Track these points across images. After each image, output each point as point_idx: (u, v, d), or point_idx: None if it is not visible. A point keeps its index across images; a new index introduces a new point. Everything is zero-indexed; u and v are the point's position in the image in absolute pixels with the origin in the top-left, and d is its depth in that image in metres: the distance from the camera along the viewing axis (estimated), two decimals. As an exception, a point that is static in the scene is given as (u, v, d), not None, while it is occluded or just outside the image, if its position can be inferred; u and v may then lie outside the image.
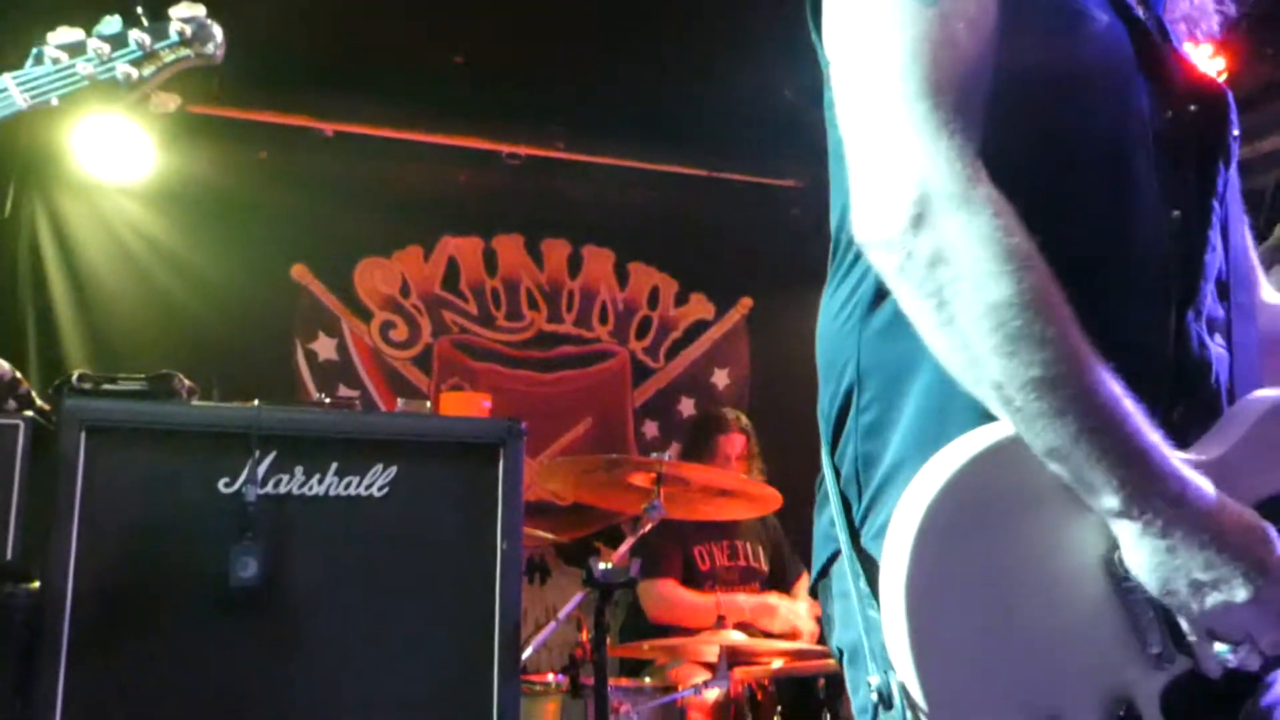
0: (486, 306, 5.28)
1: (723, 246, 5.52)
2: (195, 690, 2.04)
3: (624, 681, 3.60)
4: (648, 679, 3.67)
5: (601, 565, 2.57)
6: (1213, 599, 1.05)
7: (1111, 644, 1.12)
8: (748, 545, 4.24)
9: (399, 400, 2.41)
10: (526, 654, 3.10)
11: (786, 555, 4.37)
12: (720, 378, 5.58)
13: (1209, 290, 1.21)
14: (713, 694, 3.51)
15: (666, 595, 4.00)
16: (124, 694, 2.01)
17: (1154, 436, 1.06)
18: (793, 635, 3.98)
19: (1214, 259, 1.22)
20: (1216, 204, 1.22)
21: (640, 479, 3.24)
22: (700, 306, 5.61)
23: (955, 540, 1.11)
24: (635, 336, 5.49)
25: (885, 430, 1.20)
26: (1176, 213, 1.19)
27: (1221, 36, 1.45)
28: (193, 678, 2.04)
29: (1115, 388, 1.05)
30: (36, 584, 2.02)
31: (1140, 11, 1.25)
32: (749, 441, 4.29)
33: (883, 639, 1.14)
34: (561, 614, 3.09)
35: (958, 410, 1.14)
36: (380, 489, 2.21)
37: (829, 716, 3.38)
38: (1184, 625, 1.09)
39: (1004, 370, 1.05)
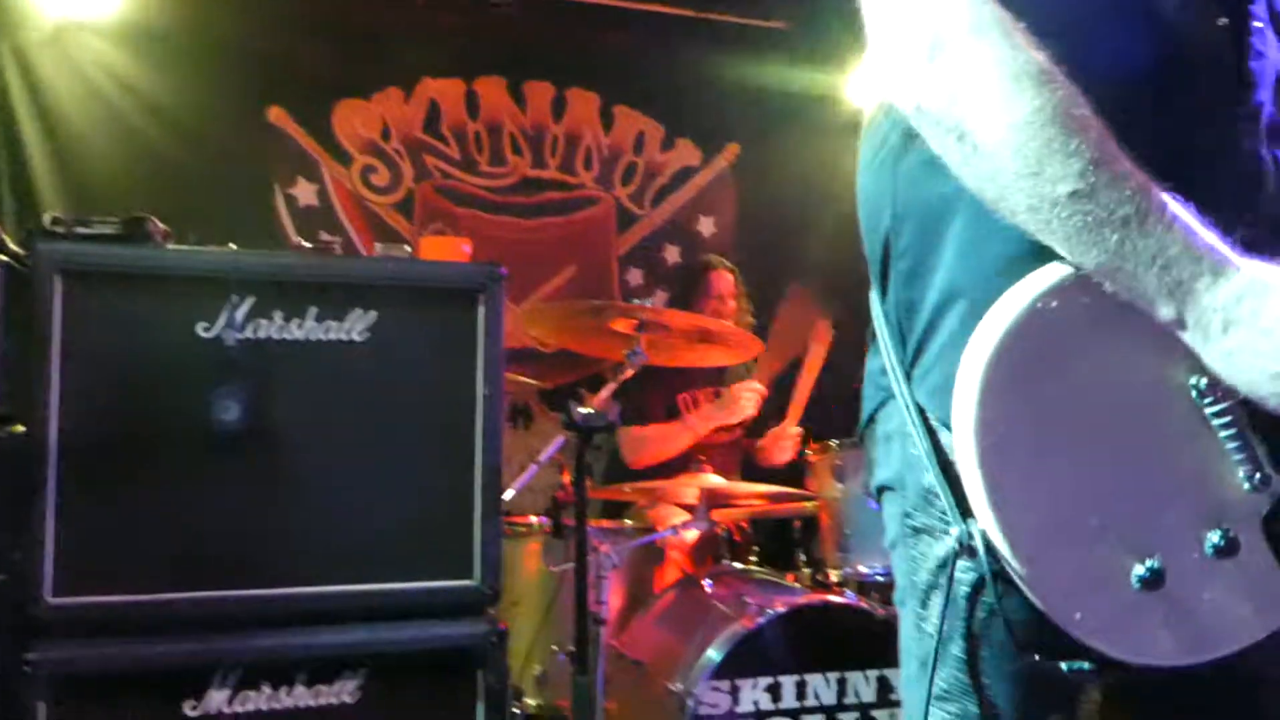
0: (469, 151, 5.20)
1: (709, 91, 5.41)
2: (185, 528, 2.08)
3: (605, 523, 3.70)
4: (628, 521, 3.77)
5: (582, 409, 2.60)
6: None
7: (1204, 474, 1.09)
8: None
9: (377, 245, 2.38)
10: (509, 496, 3.17)
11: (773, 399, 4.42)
12: (706, 225, 5.55)
13: (1264, 98, 1.17)
14: (691, 535, 3.61)
15: (639, 435, 4.04)
16: (115, 533, 2.05)
17: (1207, 236, 1.04)
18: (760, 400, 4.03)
19: (1265, 66, 1.17)
20: (1254, 7, 1.17)
21: (623, 325, 3.25)
22: (687, 152, 5.54)
23: (1025, 385, 1.10)
24: (620, 183, 5.43)
25: (925, 275, 1.19)
26: (1224, 20, 1.15)
27: None
28: (182, 517, 2.08)
29: (1157, 193, 1.03)
30: (21, 428, 2.04)
31: None
32: (737, 280, 4.32)
33: (922, 477, 1.17)
34: (543, 457, 3.15)
35: (997, 246, 1.13)
36: (360, 334, 2.20)
37: (803, 555, 3.49)
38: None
39: (1034, 191, 1.04)
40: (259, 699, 2.11)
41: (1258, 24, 1.17)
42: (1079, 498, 1.08)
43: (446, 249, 2.44)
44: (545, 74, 5.28)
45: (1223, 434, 1.08)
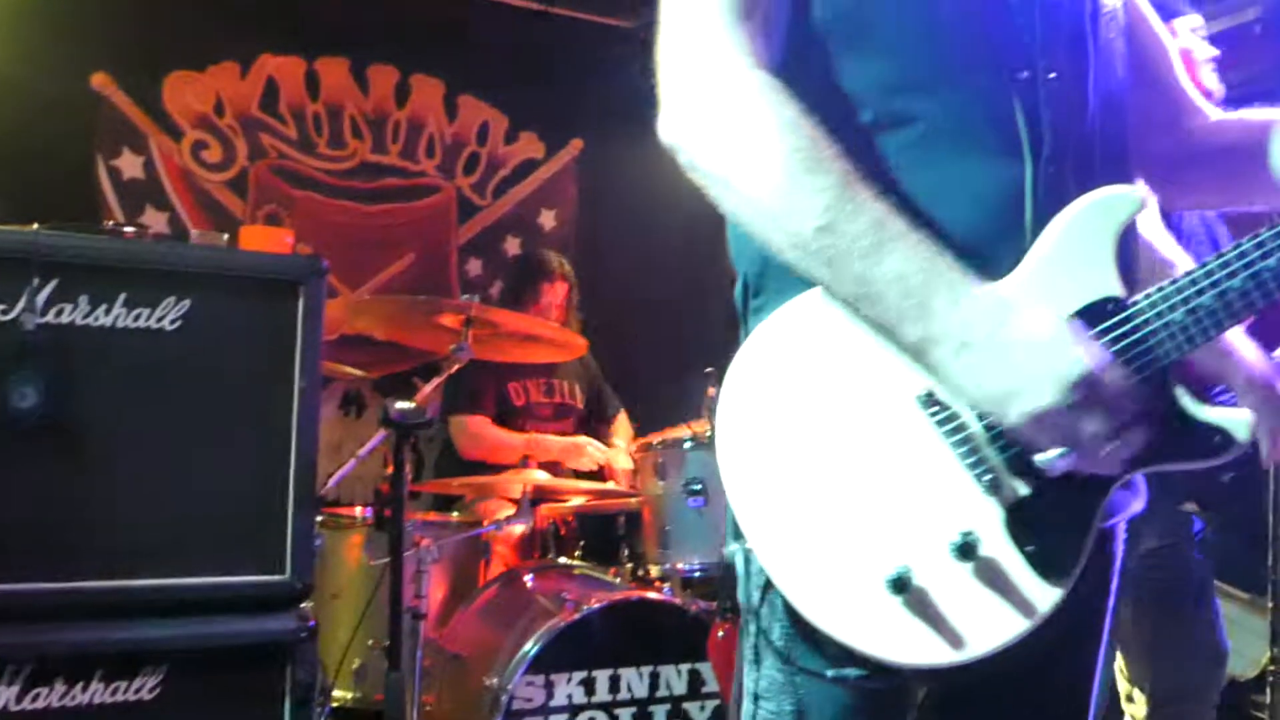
0: (307, 132, 5.08)
1: (555, 85, 5.42)
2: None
3: (431, 516, 3.70)
4: (455, 514, 3.77)
5: (399, 405, 2.60)
6: (1021, 407, 1.09)
7: (942, 480, 1.16)
8: (565, 383, 4.33)
9: (194, 232, 2.33)
10: (329, 486, 3.14)
11: (606, 393, 4.49)
12: (547, 219, 5.57)
13: (1067, 133, 1.23)
14: (518, 529, 3.64)
15: (476, 432, 4.06)
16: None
17: (943, 262, 1.12)
18: (607, 473, 4.11)
19: (1064, 106, 1.23)
20: (1049, 59, 1.24)
21: (450, 320, 3.26)
22: (530, 145, 5.54)
23: (772, 403, 1.19)
24: (463, 172, 5.40)
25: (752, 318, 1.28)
26: (1025, 73, 1.22)
27: None
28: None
29: (897, 222, 1.12)
30: None
31: None
32: (571, 291, 4.34)
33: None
34: (361, 452, 3.13)
35: (778, 283, 1.23)
36: (172, 322, 2.15)
37: (627, 551, 3.56)
38: (1018, 439, 1.12)
39: (789, 228, 1.13)
40: (51, 696, 2.04)
41: (1052, 75, 1.23)
42: (829, 509, 1.16)
43: (268, 239, 2.40)
44: (390, 58, 5.20)
45: (950, 441, 1.16)
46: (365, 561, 3.30)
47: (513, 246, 5.46)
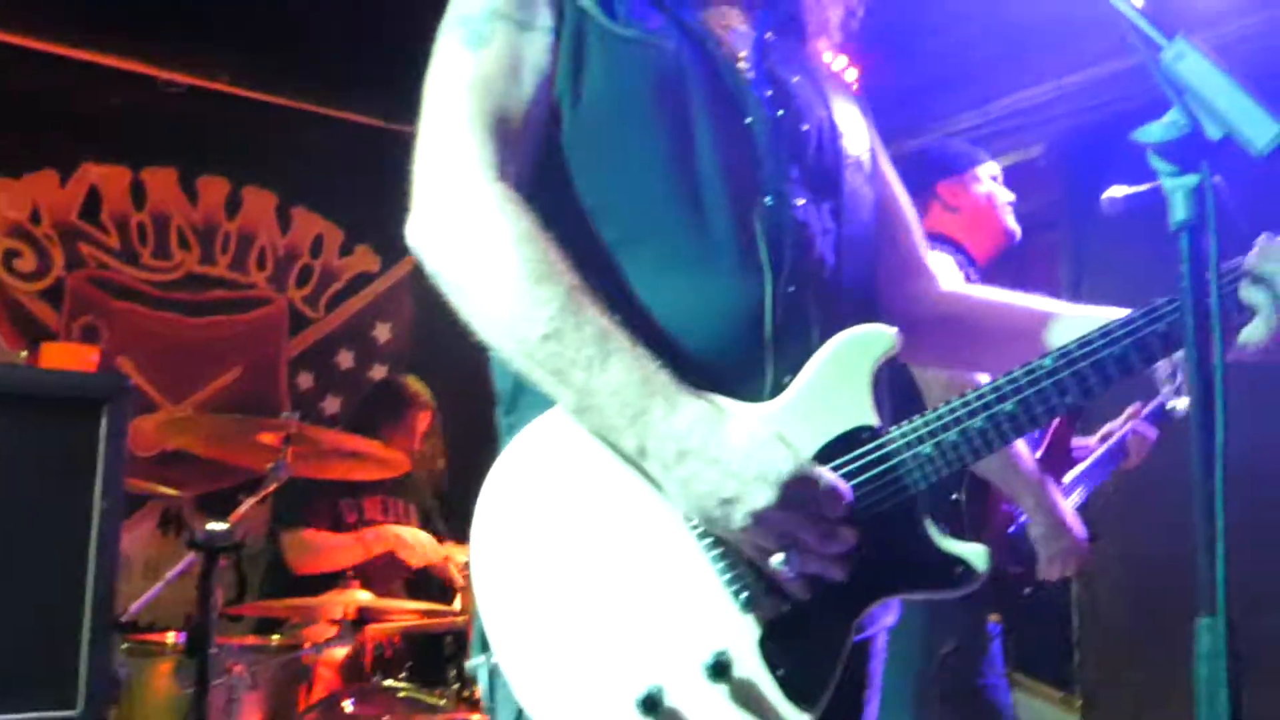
0: (131, 242, 4.96)
1: (391, 198, 5.41)
2: None
3: (249, 640, 3.55)
4: (276, 637, 3.64)
5: (209, 526, 2.52)
6: (740, 511, 1.12)
7: (698, 597, 1.17)
8: (400, 501, 4.27)
9: (-11, 349, 2.25)
10: (134, 611, 3.00)
11: (435, 512, 4.43)
12: (382, 331, 5.53)
13: (811, 263, 1.31)
14: (340, 651, 3.53)
15: (308, 540, 3.95)
16: None
17: (662, 375, 1.16)
18: (442, 569, 4.03)
19: (810, 236, 1.32)
20: (795, 188, 1.33)
21: (270, 438, 3.19)
22: (366, 258, 5.53)
23: (526, 518, 1.19)
24: (295, 285, 5.34)
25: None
26: (769, 199, 1.30)
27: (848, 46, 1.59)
28: None
29: (620, 336, 1.17)
30: None
31: (736, 39, 1.39)
32: (434, 419, 4.34)
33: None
34: (170, 575, 3.01)
35: (529, 398, 1.25)
36: (-38, 443, 2.06)
37: (455, 671, 3.48)
38: (739, 552, 1.16)
39: (517, 336, 1.17)
40: None
41: (799, 201, 1.33)
42: (583, 625, 1.16)
43: (72, 356, 2.34)
44: (220, 169, 5.15)
45: (711, 556, 1.18)
46: (175, 690, 3.14)
47: (346, 360, 5.40)
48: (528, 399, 1.26)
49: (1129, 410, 2.78)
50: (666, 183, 1.29)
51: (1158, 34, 0.94)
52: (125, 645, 3.18)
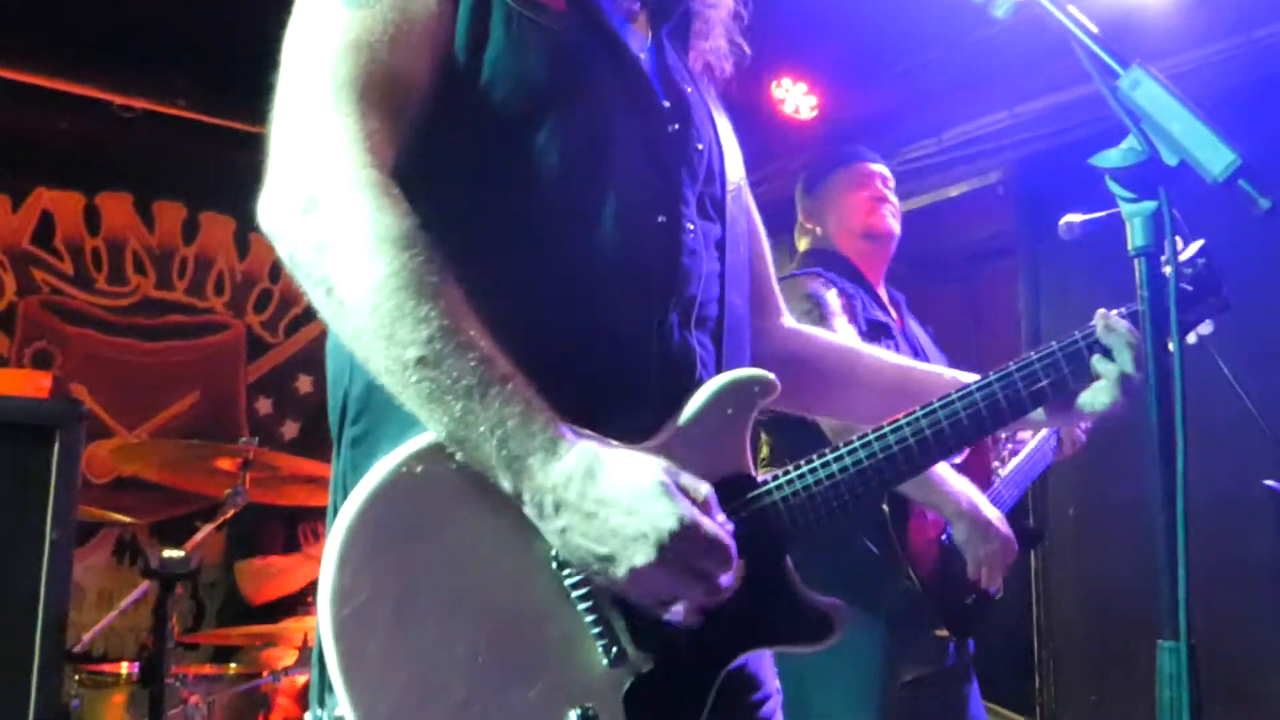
0: (85, 267, 4.90)
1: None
2: None
3: (206, 669, 3.49)
4: (233, 665, 3.58)
5: (164, 554, 2.48)
6: (618, 569, 1.04)
7: (565, 649, 1.09)
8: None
9: (-62, 375, 2.20)
10: (85, 642, 2.94)
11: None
12: (342, 356, 5.48)
13: (697, 292, 1.26)
14: (302, 679, 3.47)
15: (263, 569, 3.89)
16: None
17: (545, 415, 1.06)
18: None
19: (698, 263, 1.27)
20: (687, 210, 1.27)
21: (228, 463, 3.15)
22: (325, 283, 5.48)
23: (387, 552, 1.06)
24: (253, 309, 5.29)
25: (369, 444, 1.18)
26: (661, 218, 1.25)
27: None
28: None
29: (503, 365, 1.06)
30: None
31: (635, 41, 1.32)
32: None
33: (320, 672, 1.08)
34: (123, 604, 2.96)
35: (388, 413, 1.13)
36: (-90, 471, 2.01)
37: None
38: (608, 605, 1.09)
39: (389, 353, 1.05)
40: None
41: (690, 225, 1.27)
42: (443, 672, 1.05)
43: (22, 382, 2.29)
44: (177, 194, 5.10)
45: (580, 607, 1.11)
46: (129, 722, 3.08)
47: (305, 385, 5.35)
48: (380, 412, 1.15)
49: None
50: (559, 184, 1.19)
51: (1114, 62, 0.96)
52: (77, 676, 3.11)
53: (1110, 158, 0.94)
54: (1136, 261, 0.93)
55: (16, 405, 2.20)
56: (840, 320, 2.46)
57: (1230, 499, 3.14)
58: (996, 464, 2.64)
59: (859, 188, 2.72)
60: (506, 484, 1.06)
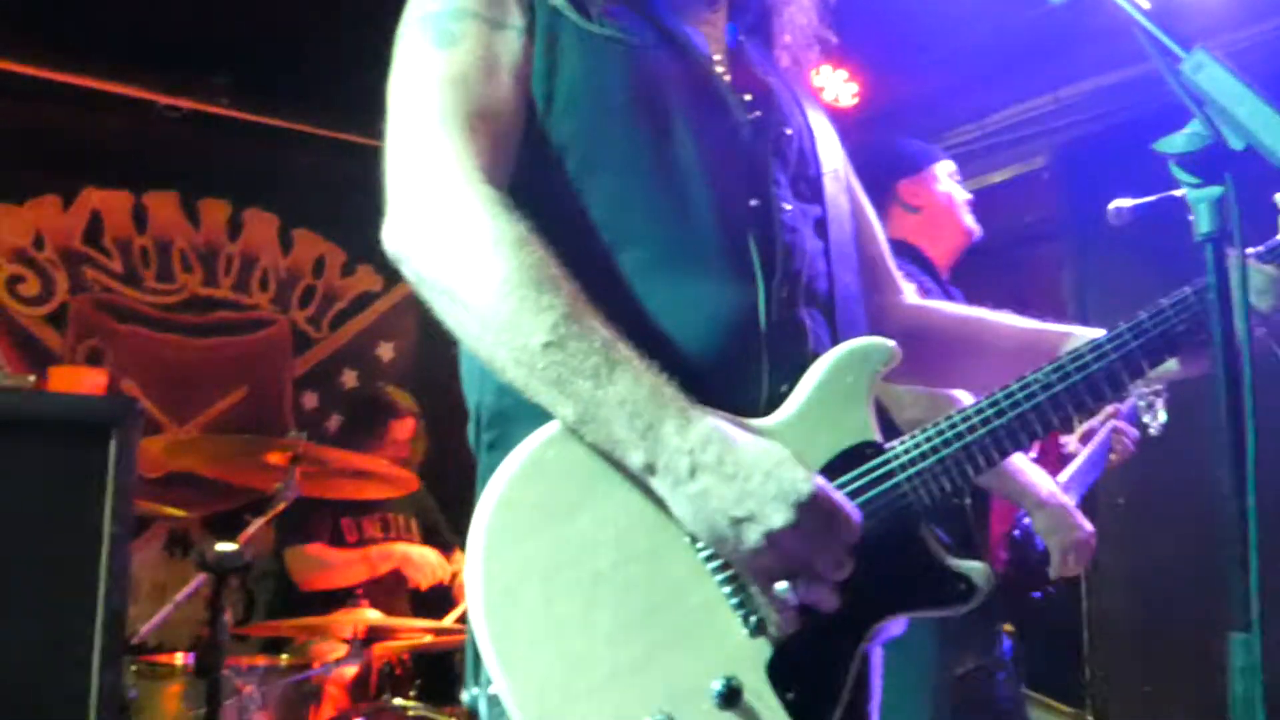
0: (134, 265, 4.97)
1: (393, 218, 5.44)
2: None
3: (259, 660, 3.54)
4: (284, 657, 3.63)
5: (218, 547, 2.52)
6: (754, 532, 1.07)
7: (706, 621, 1.12)
8: (400, 517, 4.26)
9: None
10: (143, 634, 2.99)
11: (442, 526, 4.42)
12: (385, 350, 5.53)
13: (802, 267, 1.29)
14: (350, 670, 3.52)
15: (313, 556, 3.95)
16: None
17: (670, 388, 1.11)
18: (455, 583, 4.04)
19: (800, 239, 1.30)
20: (781, 191, 1.31)
21: (277, 458, 3.19)
22: (368, 278, 5.52)
23: (529, 536, 1.12)
24: (298, 305, 5.35)
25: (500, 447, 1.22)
26: (755, 201, 1.28)
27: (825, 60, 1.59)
28: None
29: (625, 346, 1.11)
30: None
31: (705, 40, 1.37)
32: (418, 422, 4.34)
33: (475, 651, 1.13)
34: (179, 597, 3.00)
35: (518, 413, 1.18)
36: (-29, 469, 2.05)
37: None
38: (744, 575, 1.11)
39: (514, 344, 1.11)
40: None
41: (786, 205, 1.31)
42: (588, 650, 1.10)
43: (80, 380, 2.34)
44: (222, 192, 5.16)
45: (717, 579, 1.14)
46: (185, 712, 3.13)
47: (350, 379, 5.40)
48: (512, 414, 1.20)
49: (1107, 410, 2.76)
50: (649, 184, 1.24)
51: (1176, 45, 0.94)
52: (134, 667, 3.17)
53: (1175, 143, 0.93)
54: (1205, 247, 0.91)
55: (74, 403, 2.24)
56: None
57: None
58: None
59: (952, 188, 2.76)
60: (638, 457, 1.10)
